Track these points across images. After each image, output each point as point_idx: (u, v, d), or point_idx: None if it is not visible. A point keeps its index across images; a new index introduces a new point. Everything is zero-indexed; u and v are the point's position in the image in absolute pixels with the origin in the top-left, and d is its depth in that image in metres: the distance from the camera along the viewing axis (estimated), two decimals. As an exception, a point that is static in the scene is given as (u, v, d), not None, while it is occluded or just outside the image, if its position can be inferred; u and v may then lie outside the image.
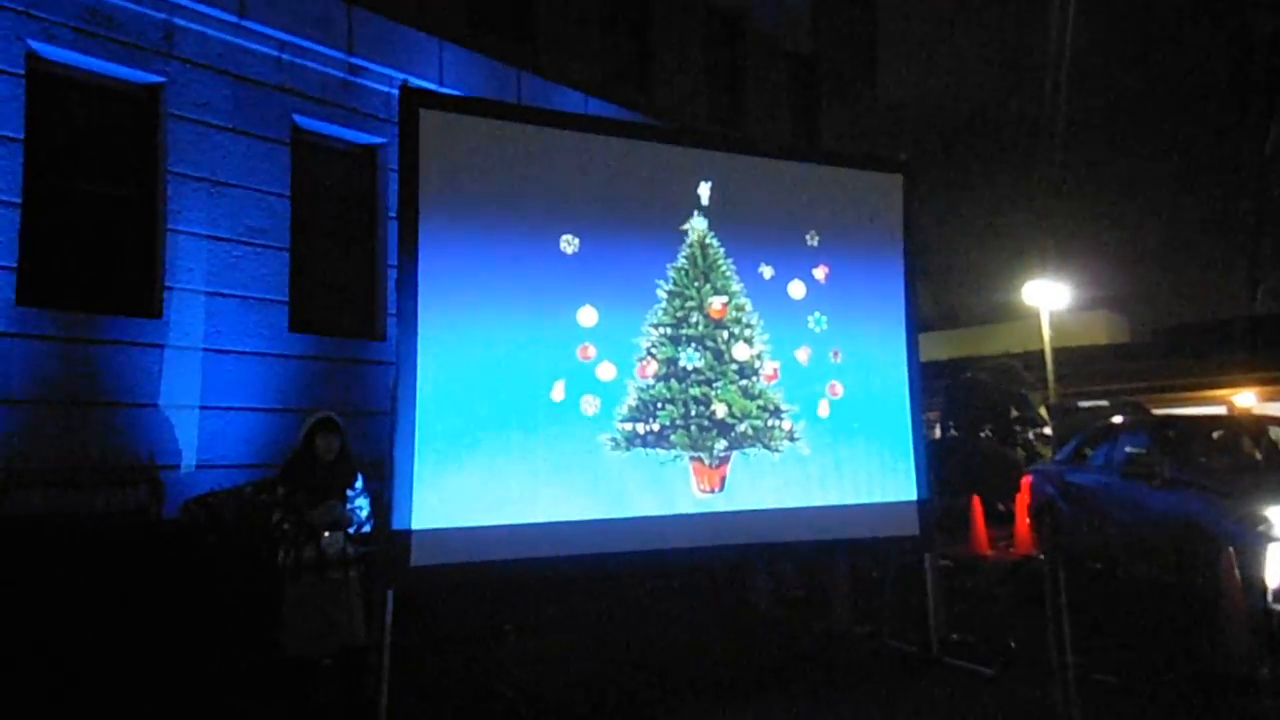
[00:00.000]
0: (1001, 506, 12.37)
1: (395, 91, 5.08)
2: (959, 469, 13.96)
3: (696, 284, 5.52)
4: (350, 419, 6.09)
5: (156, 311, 6.68)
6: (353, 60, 7.98)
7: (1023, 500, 10.56)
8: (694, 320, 5.49)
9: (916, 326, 6.24)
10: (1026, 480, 10.67)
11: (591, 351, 5.18)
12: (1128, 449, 8.38)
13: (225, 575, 5.34)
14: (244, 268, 7.16)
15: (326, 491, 4.48)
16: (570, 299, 5.17)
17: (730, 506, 5.47)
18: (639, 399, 5.29)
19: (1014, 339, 25.03)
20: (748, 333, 5.62)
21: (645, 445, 5.28)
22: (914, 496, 5.99)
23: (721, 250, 5.62)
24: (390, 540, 4.58)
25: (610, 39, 11.03)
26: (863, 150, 13.05)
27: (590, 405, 5.14)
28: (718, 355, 5.52)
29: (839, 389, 5.86)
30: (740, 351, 5.59)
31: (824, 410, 5.79)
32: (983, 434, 16.65)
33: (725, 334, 5.56)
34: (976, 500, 10.86)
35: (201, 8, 6.95)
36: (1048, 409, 16.83)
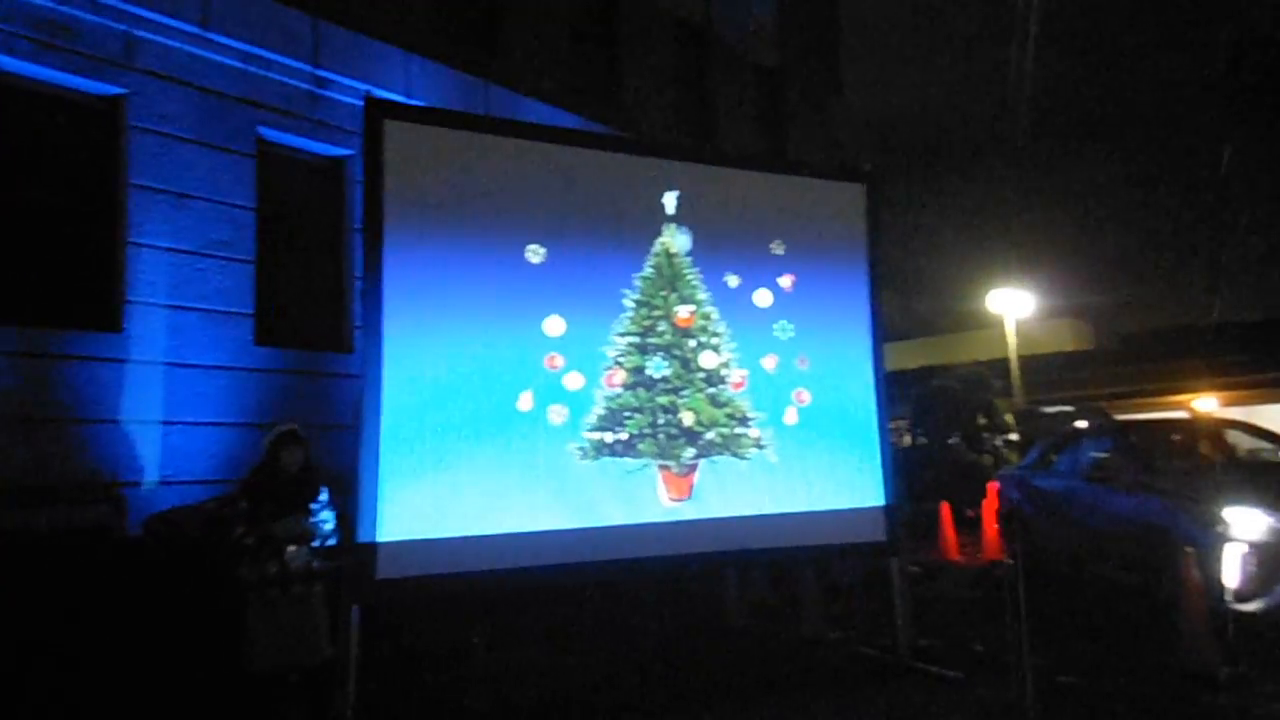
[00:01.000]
0: (970, 512, 12.50)
1: (361, 103, 5.06)
2: (928, 476, 14.11)
3: (663, 293, 5.55)
4: (318, 432, 6.05)
5: (118, 326, 6.58)
6: (318, 72, 7.95)
7: (990, 506, 10.68)
8: (661, 329, 5.51)
9: (882, 334, 6.31)
10: (993, 486, 10.79)
11: (559, 361, 5.18)
12: (1091, 454, 8.52)
13: (189, 592, 5.25)
14: (208, 281, 7.08)
15: (291, 505, 4.44)
16: (537, 309, 5.18)
17: (699, 515, 5.48)
18: (607, 408, 5.30)
19: (981, 347, 25.38)
20: (715, 341, 5.66)
21: (613, 454, 5.28)
22: (881, 502, 6.04)
23: (688, 259, 5.66)
24: (356, 553, 4.54)
25: (578, 51, 11.07)
26: (829, 161, 13.20)
27: (558, 415, 5.15)
28: (685, 364, 5.55)
29: (806, 396, 5.90)
30: (707, 360, 5.62)
31: (791, 418, 5.84)
32: (951, 441, 16.83)
33: (692, 343, 5.59)
34: (945, 506, 10.97)
35: (163, 19, 6.89)
36: (1014, 415, 17.05)
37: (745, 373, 5.73)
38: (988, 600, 7.66)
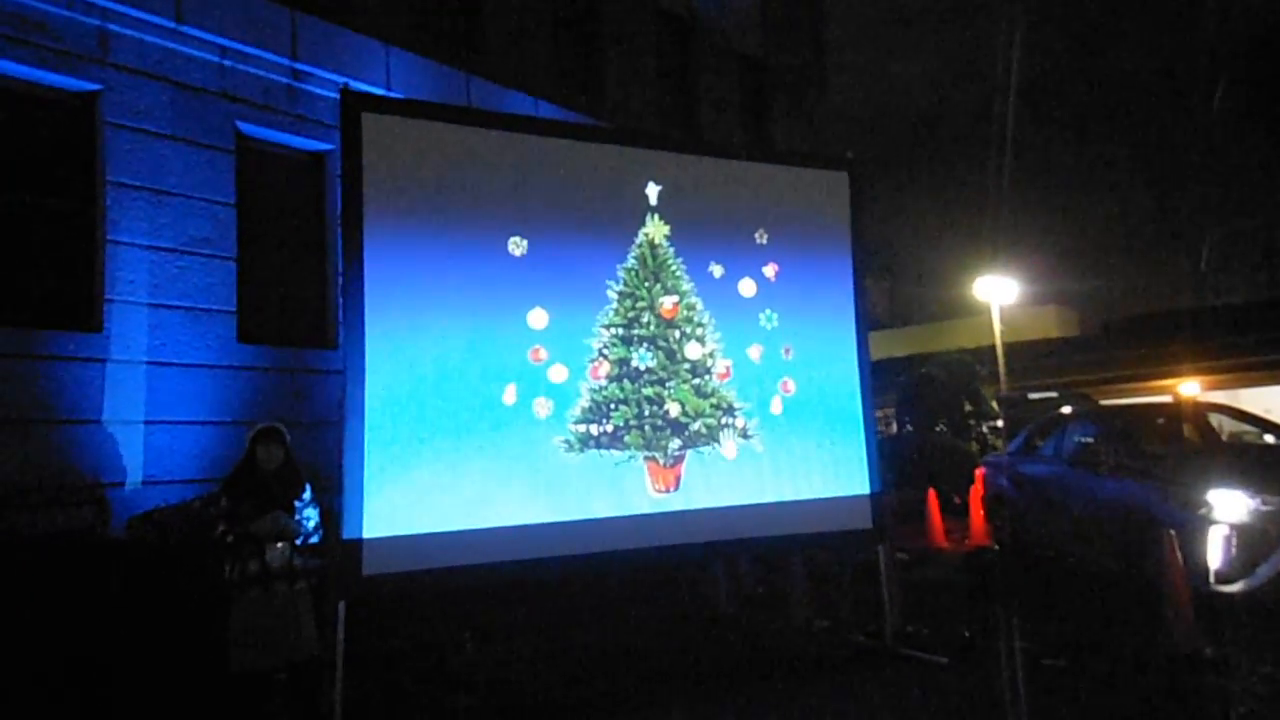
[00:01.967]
0: (956, 499, 12.58)
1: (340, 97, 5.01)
2: (915, 463, 14.17)
3: (647, 284, 5.54)
4: (303, 430, 6.01)
5: (97, 325, 6.51)
6: (297, 65, 7.87)
7: (976, 492, 10.74)
8: (645, 320, 5.50)
9: (866, 322, 6.32)
10: (979, 472, 10.84)
11: (543, 354, 5.17)
12: (1076, 439, 8.56)
13: (174, 592, 5.22)
14: (189, 278, 7.01)
15: (271, 503, 4.40)
16: (520, 301, 5.15)
17: (686, 505, 5.48)
18: (592, 400, 5.29)
19: (967, 335, 25.49)
20: (699, 331, 5.65)
21: (599, 446, 5.27)
22: (867, 490, 6.06)
23: (671, 250, 5.64)
24: (341, 550, 4.52)
25: (560, 42, 11.01)
26: (814, 150, 13.18)
27: (543, 408, 5.13)
28: (670, 355, 5.54)
29: (791, 386, 5.91)
30: (692, 350, 5.61)
31: (777, 407, 5.84)
32: (937, 428, 16.92)
33: (677, 333, 5.58)
34: (932, 493, 11.02)
35: (137, 13, 6.80)
36: (999, 402, 17.15)
37: (730, 363, 5.73)
38: (974, 585, 7.71)
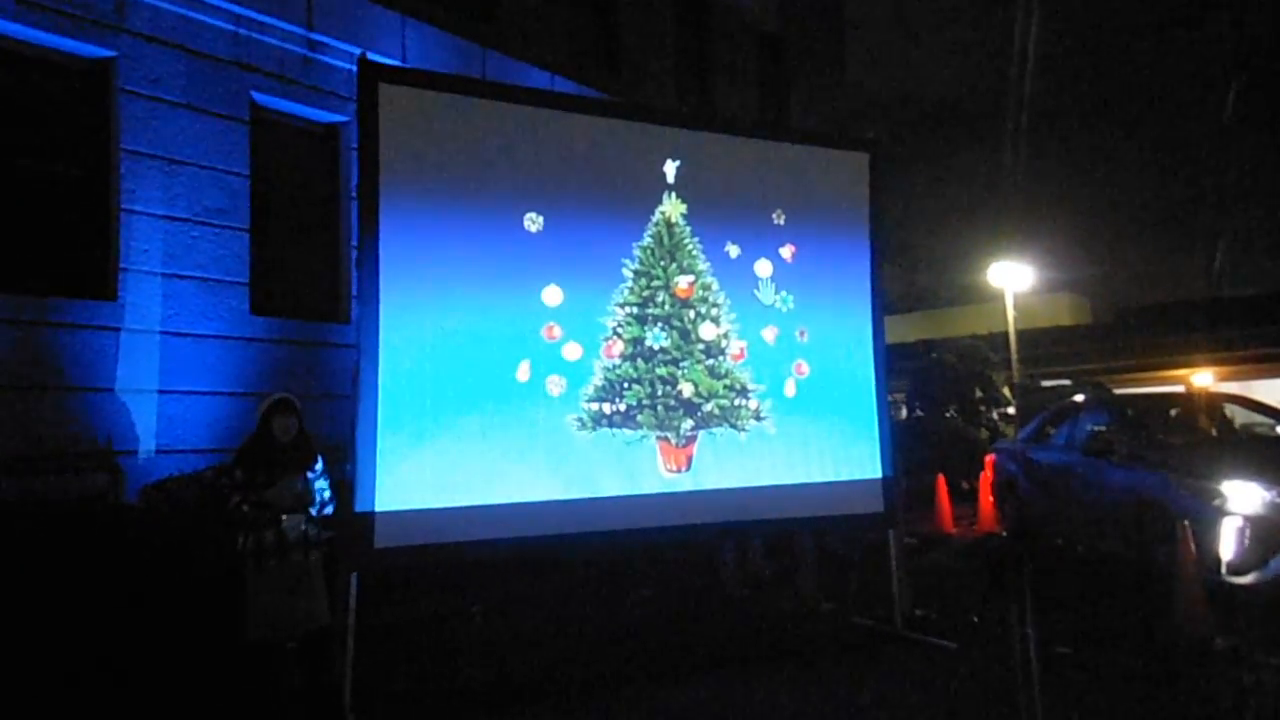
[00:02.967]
0: (966, 485, 12.55)
1: (356, 69, 4.97)
2: (925, 449, 14.14)
3: (663, 263, 5.50)
4: (314, 402, 6.02)
5: (111, 294, 6.51)
6: (312, 36, 7.81)
7: (986, 478, 10.70)
8: (660, 299, 5.47)
9: (882, 305, 6.27)
10: (990, 459, 10.80)
11: (557, 331, 5.14)
12: (1089, 427, 8.50)
13: (186, 561, 5.24)
14: (202, 249, 7.01)
15: (285, 474, 4.41)
16: (535, 278, 5.12)
17: (697, 486, 5.47)
18: (605, 379, 5.27)
19: (980, 321, 25.33)
20: (714, 312, 5.62)
21: (611, 425, 5.26)
22: (879, 474, 6.03)
23: (688, 229, 5.59)
24: (354, 522, 4.53)
25: (577, 17, 10.90)
26: (831, 130, 13.06)
27: (556, 385, 5.11)
28: (684, 335, 5.51)
29: (805, 368, 5.87)
30: (707, 331, 5.58)
31: (790, 389, 5.81)
32: (948, 414, 16.86)
33: (692, 313, 5.55)
34: (941, 479, 10.99)
35: (153, -20, 6.75)
36: (1011, 389, 17.06)
37: (744, 344, 5.70)
38: (983, 572, 7.70)
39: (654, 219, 5.52)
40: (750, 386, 5.68)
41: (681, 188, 5.60)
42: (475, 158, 5.09)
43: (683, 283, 5.54)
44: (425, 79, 5.39)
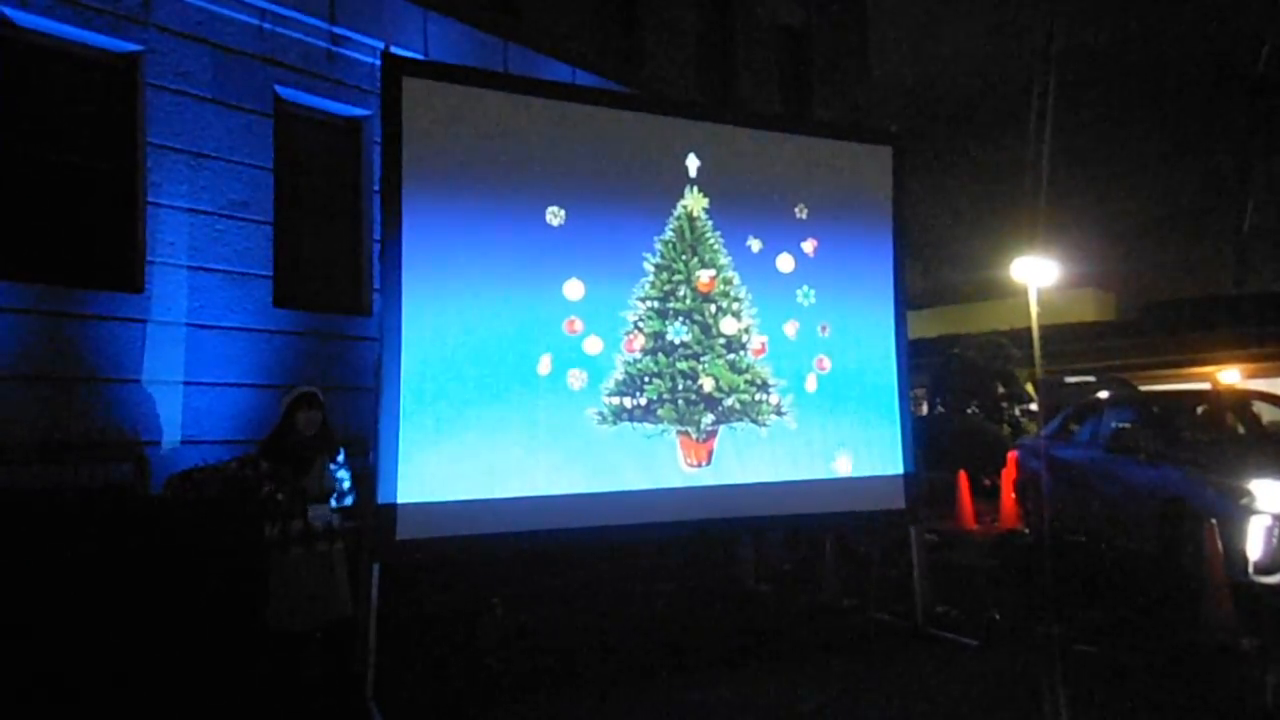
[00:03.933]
0: (987, 481, 12.46)
1: (379, 62, 4.99)
2: (946, 445, 14.05)
3: (684, 257, 5.48)
4: (336, 394, 6.06)
5: (138, 286, 6.59)
6: (336, 30, 7.85)
7: (1008, 475, 10.63)
8: (681, 294, 5.45)
9: (905, 301, 6.22)
10: (1012, 455, 10.72)
11: (578, 325, 5.14)
12: (1113, 424, 8.42)
13: (211, 550, 5.31)
14: (227, 242, 7.07)
15: (309, 465, 4.45)
16: (556, 272, 5.12)
17: (717, 480, 5.46)
18: (626, 373, 5.26)
19: (1002, 316, 25.09)
20: (735, 306, 5.60)
21: (632, 419, 5.26)
22: (900, 470, 6.00)
23: (710, 223, 5.57)
24: (376, 514, 4.56)
25: (598, 10, 10.89)
26: (853, 123, 12.97)
27: (577, 379, 5.12)
28: (705, 329, 5.50)
29: (826, 363, 5.85)
30: (728, 325, 5.56)
31: (811, 385, 5.78)
32: (970, 410, 16.74)
33: (713, 308, 5.53)
34: (963, 475, 10.92)
35: (179, -25, 6.81)
36: (1034, 385, 16.91)
37: (765, 339, 5.67)
38: (1005, 569, 7.64)
39: (675, 213, 5.51)
40: (771, 381, 5.66)
41: (703, 181, 5.58)
42: (497, 151, 5.09)
43: (704, 277, 5.52)
44: (448, 72, 5.40)
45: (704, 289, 5.52)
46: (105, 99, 6.70)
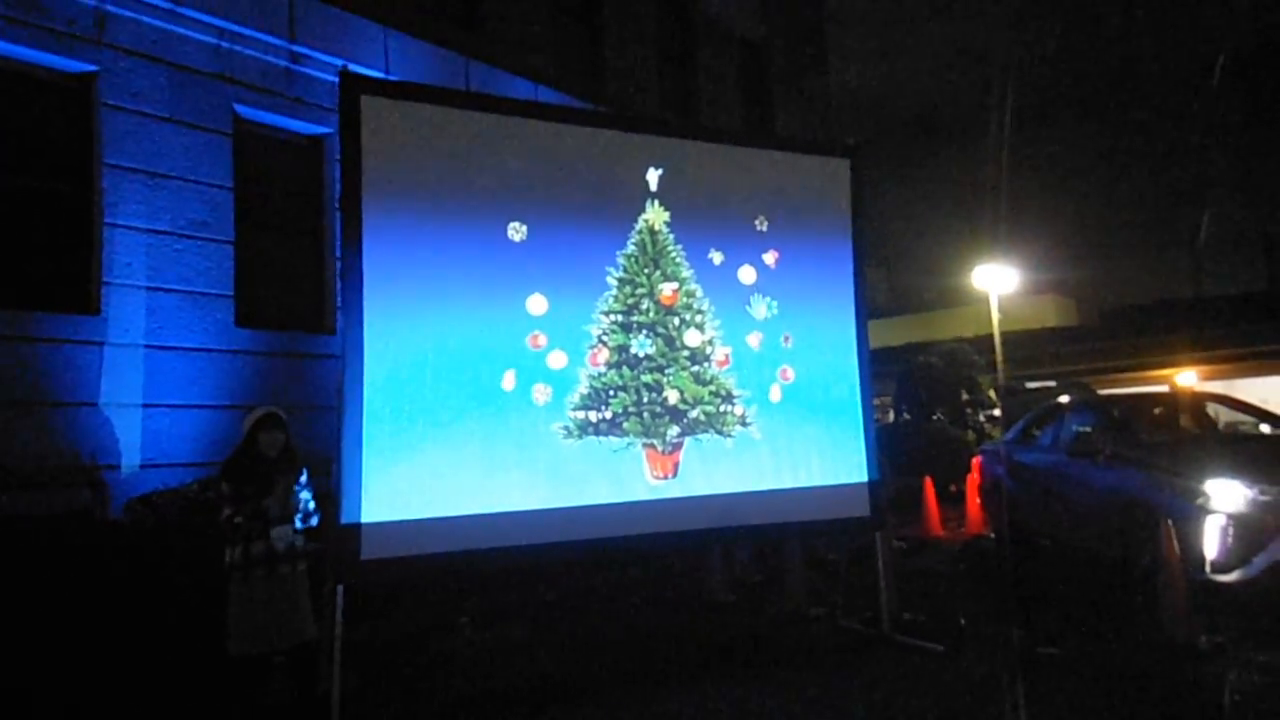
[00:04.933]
0: (953, 487, 12.61)
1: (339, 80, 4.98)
2: (912, 451, 14.20)
3: (647, 270, 5.52)
4: (300, 414, 6.00)
5: (94, 308, 6.49)
6: (295, 48, 7.82)
7: (973, 480, 10.75)
8: (645, 307, 5.48)
9: (866, 310, 6.30)
10: (976, 461, 10.84)
11: (542, 340, 5.15)
12: (1074, 428, 8.55)
13: (171, 575, 5.22)
14: (186, 262, 6.99)
15: (272, 487, 4.40)
16: (519, 287, 5.13)
17: (684, 493, 5.48)
18: (591, 387, 5.27)
19: (965, 324, 25.44)
20: (699, 319, 5.63)
21: (598, 433, 5.26)
22: (865, 478, 6.06)
23: (671, 236, 5.61)
24: (339, 534, 4.52)
25: (560, 26, 10.95)
26: (815, 136, 13.14)
27: (541, 394, 5.12)
28: (669, 342, 5.53)
29: (790, 373, 5.90)
30: (691, 338, 5.60)
31: (776, 395, 5.83)
32: (935, 417, 16.94)
33: (676, 320, 5.57)
34: (929, 482, 11.04)
35: (134, -6, 6.75)
36: (997, 391, 17.17)
37: (729, 350, 5.71)
38: (971, 574, 7.73)
39: (637, 227, 5.54)
40: (736, 392, 5.70)
41: (664, 195, 5.62)
42: (458, 168, 5.10)
43: (667, 290, 5.56)
44: (407, 91, 5.40)
45: (667, 302, 5.55)
46: (60, 120, 6.61)
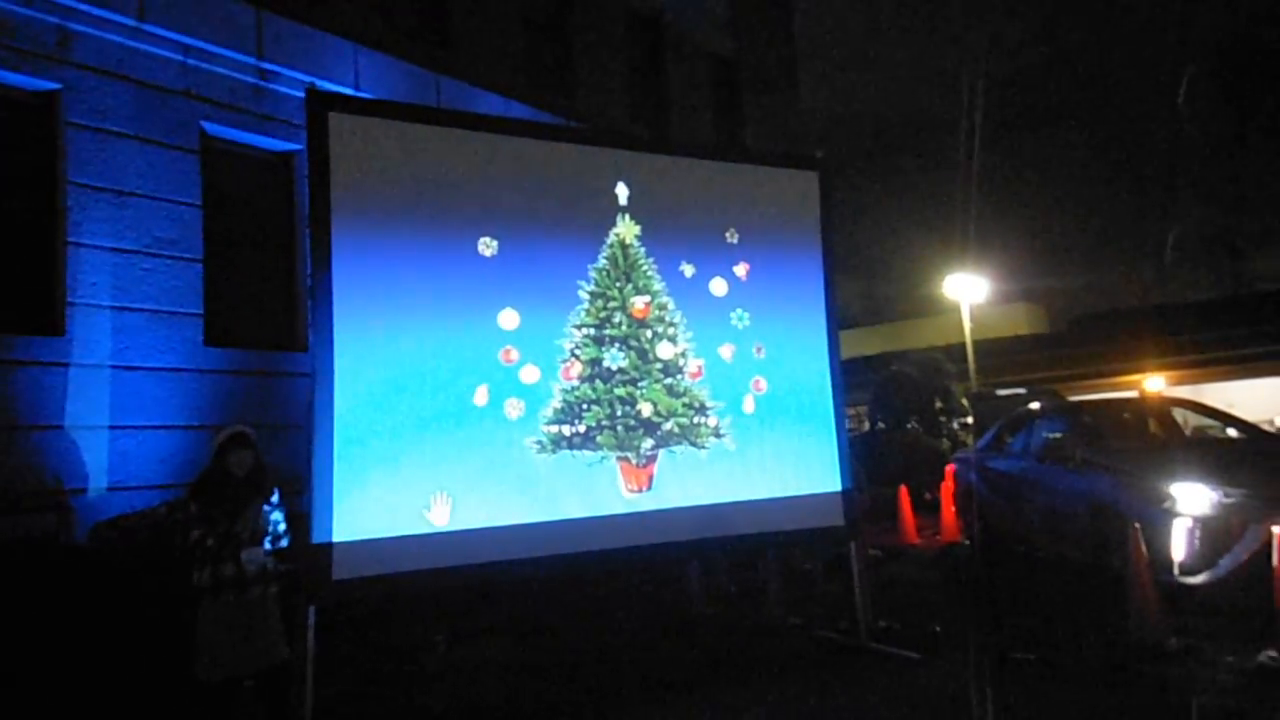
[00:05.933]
0: (928, 495, 12.70)
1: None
2: (887, 461, 14.29)
3: (618, 284, 5.53)
4: (272, 433, 5.94)
5: (59, 329, 6.38)
6: (263, 65, 7.78)
7: (947, 488, 10.84)
8: (617, 320, 5.50)
9: (837, 319, 6.36)
10: (950, 469, 10.94)
11: (514, 354, 5.14)
12: (1044, 435, 8.67)
13: (140, 600, 5.13)
14: (153, 280, 6.90)
15: (243, 507, 4.34)
16: (490, 302, 5.13)
17: (659, 505, 5.49)
18: (564, 401, 5.27)
19: (938, 332, 25.74)
20: (671, 331, 5.66)
21: (571, 447, 5.26)
22: (839, 487, 6.09)
23: (642, 250, 5.64)
24: (311, 554, 4.47)
25: (530, 42, 10.97)
26: (785, 149, 13.24)
27: (514, 409, 5.11)
28: (642, 355, 5.54)
29: (763, 384, 5.93)
30: (664, 350, 5.62)
31: (749, 406, 5.86)
32: (909, 425, 17.07)
33: (649, 333, 5.59)
34: (903, 490, 11.11)
35: (97, 11, 6.68)
36: (969, 399, 17.33)
37: (702, 362, 5.74)
38: (946, 581, 7.78)
39: (608, 240, 5.56)
40: (709, 404, 5.72)
41: (634, 209, 5.65)
42: (428, 184, 5.10)
43: (639, 303, 5.58)
44: (375, 107, 5.40)
45: (639, 315, 5.57)
46: (23, 138, 6.52)
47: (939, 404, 17.49)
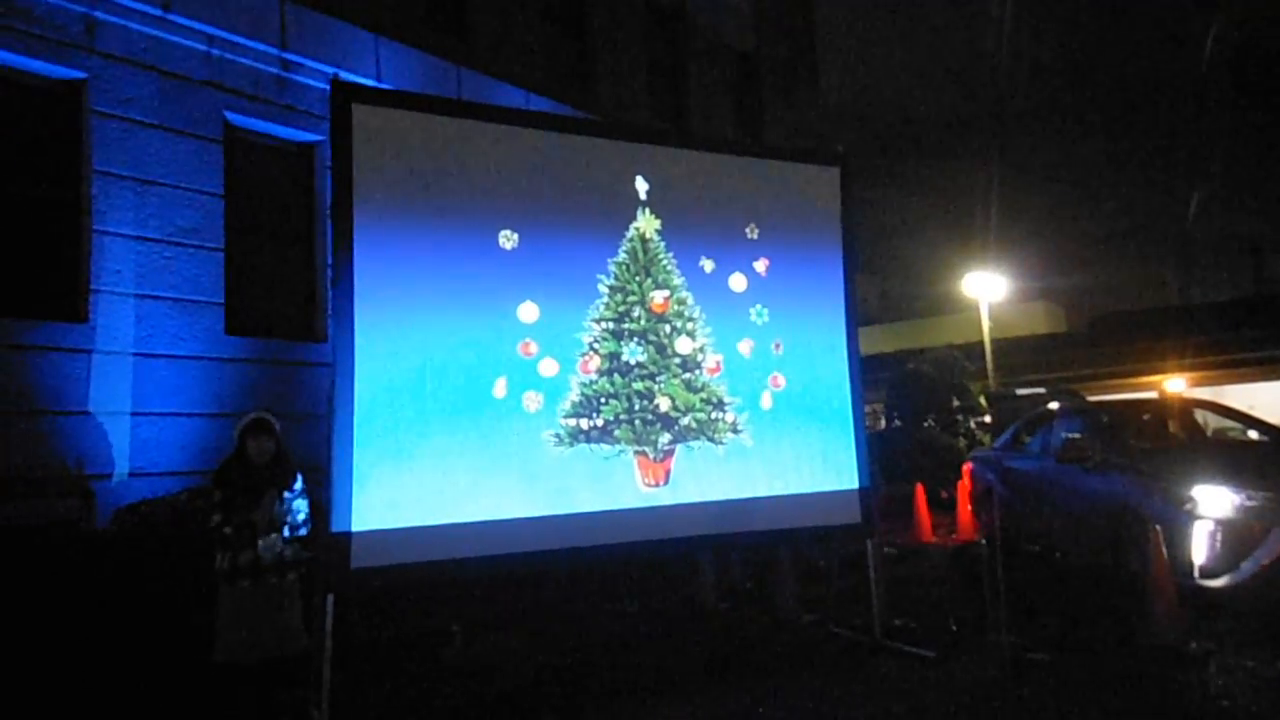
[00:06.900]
0: (944, 494, 12.64)
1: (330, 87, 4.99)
2: (903, 458, 14.23)
3: (638, 278, 5.53)
4: (292, 422, 5.97)
5: (83, 316, 6.46)
6: (286, 56, 7.82)
7: (964, 487, 10.78)
8: (636, 315, 5.49)
9: (856, 317, 6.33)
10: (967, 467, 10.88)
11: (533, 348, 5.15)
12: (1063, 434, 8.58)
13: (160, 584, 5.19)
14: (176, 269, 6.97)
15: (264, 494, 4.37)
16: (510, 295, 5.13)
17: (675, 500, 5.48)
18: (582, 394, 5.28)
19: (956, 331, 25.59)
20: (690, 326, 5.65)
21: (589, 441, 5.27)
22: (856, 485, 6.07)
23: (662, 244, 5.63)
24: (330, 543, 4.50)
25: (550, 34, 10.98)
26: (805, 145, 13.19)
27: (533, 401, 5.12)
28: (660, 349, 5.54)
29: (781, 380, 5.91)
30: (683, 345, 5.61)
31: (767, 402, 5.85)
32: (926, 424, 16.99)
33: (667, 328, 5.58)
34: (919, 488, 11.07)
35: (124, 1, 6.73)
36: (987, 398, 17.23)
37: (720, 357, 5.73)
38: (962, 580, 7.74)
39: (628, 235, 5.56)
40: (727, 399, 5.71)
41: (655, 203, 5.64)
42: (449, 176, 5.10)
43: (658, 298, 5.57)
44: (398, 99, 5.41)
45: (658, 309, 5.57)
46: (49, 126, 6.59)
47: (956, 402, 17.39)
